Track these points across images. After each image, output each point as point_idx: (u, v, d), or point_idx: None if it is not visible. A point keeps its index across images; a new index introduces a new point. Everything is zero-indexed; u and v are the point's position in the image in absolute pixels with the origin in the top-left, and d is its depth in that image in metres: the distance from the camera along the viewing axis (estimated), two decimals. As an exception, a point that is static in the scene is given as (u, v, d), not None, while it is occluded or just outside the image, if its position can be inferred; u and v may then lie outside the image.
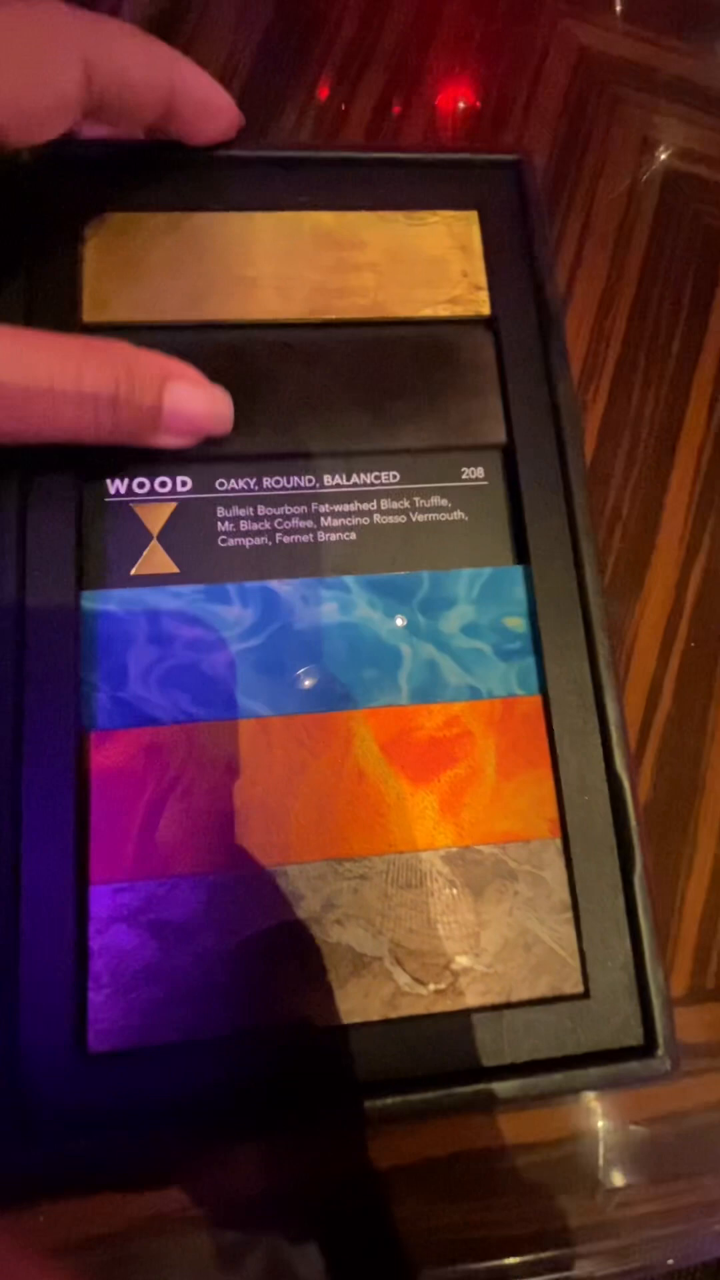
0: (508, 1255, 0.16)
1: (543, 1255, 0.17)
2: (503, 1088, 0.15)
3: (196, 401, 0.16)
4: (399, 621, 0.17)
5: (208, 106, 0.18)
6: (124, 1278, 0.15)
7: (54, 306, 0.18)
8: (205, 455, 0.17)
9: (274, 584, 0.17)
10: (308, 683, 0.16)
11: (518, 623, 0.17)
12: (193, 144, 0.19)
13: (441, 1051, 0.15)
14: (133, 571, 0.17)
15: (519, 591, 0.18)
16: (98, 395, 0.15)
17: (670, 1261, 0.17)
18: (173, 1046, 0.15)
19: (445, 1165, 0.17)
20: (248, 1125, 0.15)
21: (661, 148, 0.23)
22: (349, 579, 0.17)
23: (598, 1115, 0.17)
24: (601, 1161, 0.17)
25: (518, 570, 0.18)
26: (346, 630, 0.17)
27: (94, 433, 0.15)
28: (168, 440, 0.16)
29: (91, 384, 0.14)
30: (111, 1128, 0.14)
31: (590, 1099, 0.17)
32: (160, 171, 0.19)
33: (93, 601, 0.17)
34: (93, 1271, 0.16)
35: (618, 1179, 0.17)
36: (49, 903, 0.15)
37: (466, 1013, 0.15)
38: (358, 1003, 0.15)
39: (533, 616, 0.17)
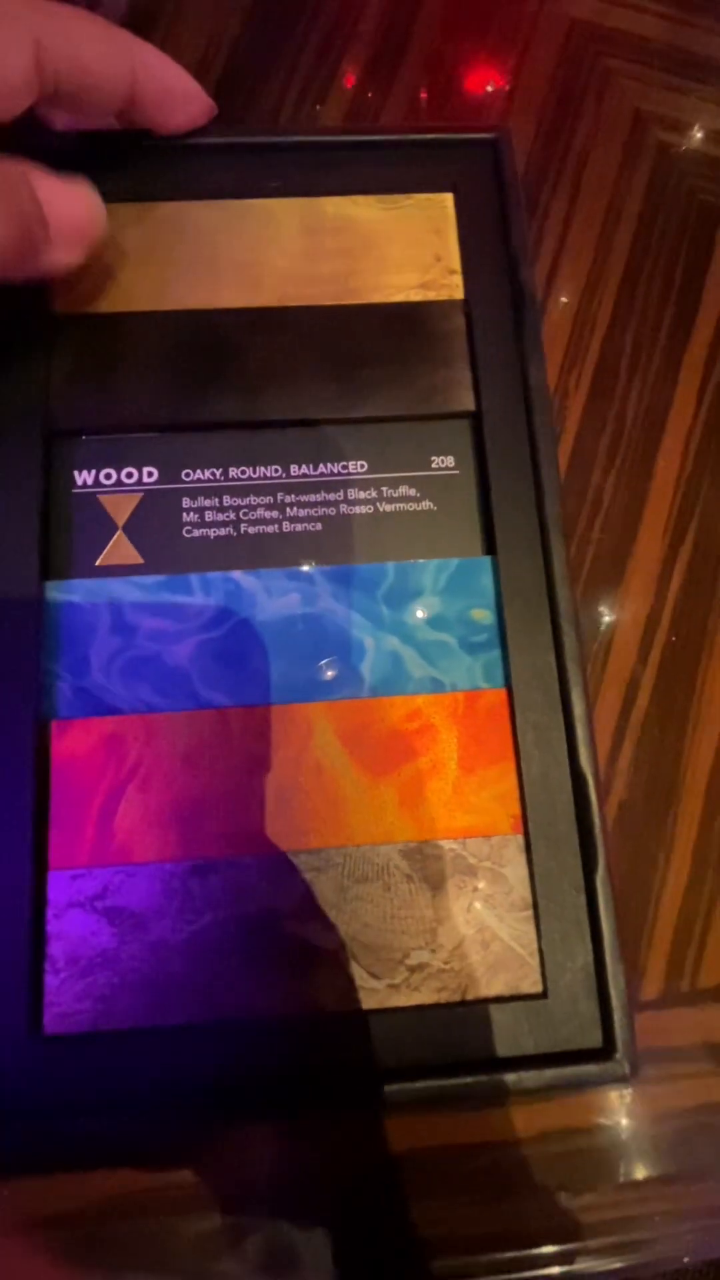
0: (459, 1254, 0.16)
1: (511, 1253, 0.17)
2: (454, 1085, 0.14)
3: (70, 196, 0.15)
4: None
5: (173, 93, 0.18)
6: (86, 1258, 0.16)
7: (25, 296, 0.18)
8: (175, 424, 0.17)
9: (237, 575, 0.17)
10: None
11: (484, 615, 0.17)
12: (163, 133, 0.18)
13: (396, 1047, 0.15)
14: (97, 562, 0.17)
15: (486, 583, 0.17)
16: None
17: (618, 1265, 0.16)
18: (127, 1032, 0.15)
19: (419, 1160, 0.17)
20: (200, 1112, 0.15)
21: (654, 121, 0.22)
22: (313, 570, 0.17)
23: (571, 1114, 0.17)
24: (569, 1163, 0.17)
25: (485, 561, 0.17)
26: (309, 621, 0.17)
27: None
28: (59, 256, 0.16)
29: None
30: (65, 1110, 0.14)
31: (559, 1100, 0.17)
32: (130, 161, 0.19)
33: (57, 592, 0.17)
34: (54, 1251, 0.16)
35: (583, 1184, 0.17)
36: (6, 888, 0.15)
37: (421, 1009, 0.15)
38: (311, 996, 0.15)
39: (499, 609, 0.17)
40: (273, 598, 0.17)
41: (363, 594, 0.17)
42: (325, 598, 0.17)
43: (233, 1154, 0.16)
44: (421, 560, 0.17)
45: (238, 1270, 0.16)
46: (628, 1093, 0.17)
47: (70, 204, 0.15)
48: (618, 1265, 0.17)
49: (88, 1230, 0.16)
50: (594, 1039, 0.15)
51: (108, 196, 0.19)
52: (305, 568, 0.17)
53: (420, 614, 0.17)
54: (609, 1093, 0.17)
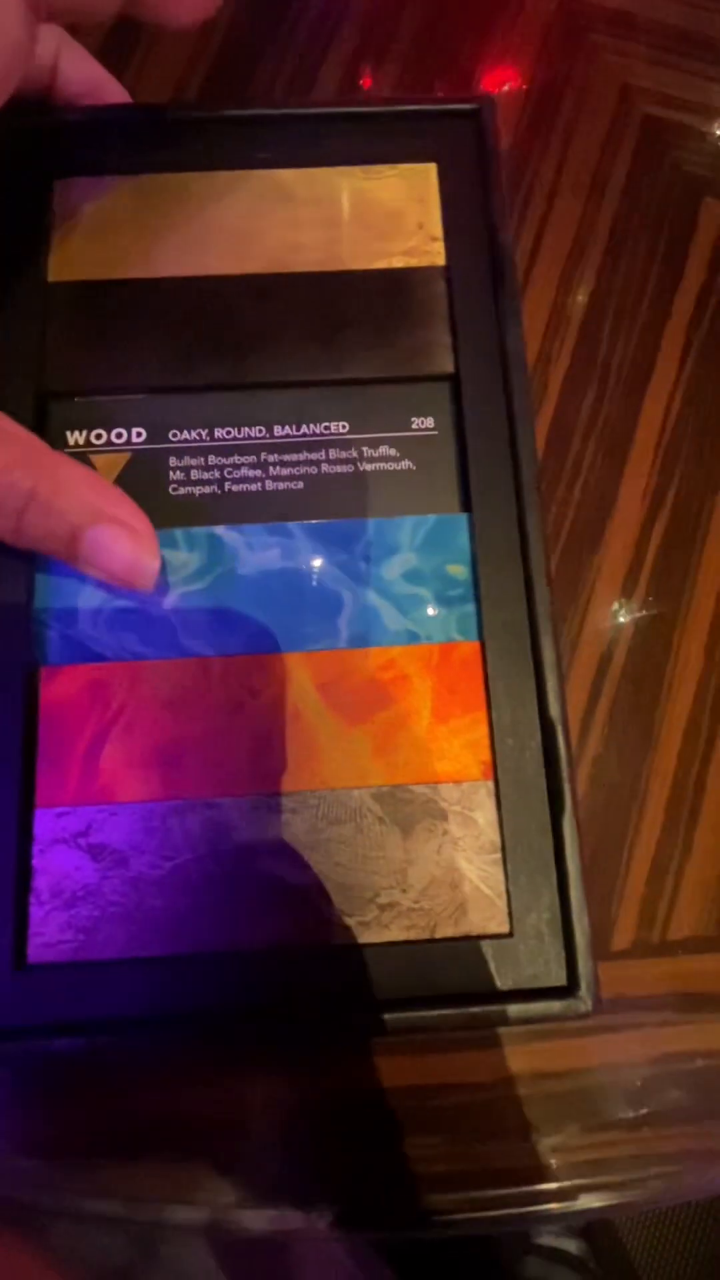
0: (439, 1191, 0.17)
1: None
2: (421, 1017, 0.15)
3: (119, 548, 0.15)
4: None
5: None
6: (63, 1185, 0.16)
7: (20, 266, 0.19)
8: (165, 386, 0.18)
9: (220, 530, 0.18)
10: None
11: (459, 570, 0.18)
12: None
13: (365, 981, 0.15)
14: None
15: (462, 539, 0.18)
16: (5, 498, 0.14)
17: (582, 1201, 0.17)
18: (108, 962, 0.15)
19: (389, 1099, 0.17)
20: (177, 1040, 0.15)
21: (639, 94, 0.23)
22: (293, 525, 0.18)
23: (540, 1059, 0.17)
24: (538, 1107, 0.17)
25: (462, 518, 0.18)
26: (288, 575, 0.17)
27: None
28: (90, 572, 0.16)
29: (4, 487, 0.14)
30: (48, 1035, 0.15)
31: (529, 1045, 0.18)
32: (123, 134, 0.19)
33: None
34: (39, 1183, 0.17)
35: (552, 1127, 0.17)
36: (-6, 823, 0.16)
37: (390, 945, 0.16)
38: (285, 931, 0.16)
39: (474, 564, 0.17)
40: (254, 552, 0.18)
41: (341, 549, 0.18)
42: (305, 553, 0.18)
43: (207, 1088, 0.17)
44: (399, 517, 0.18)
45: (205, 1200, 0.16)
46: (599, 1039, 0.18)
47: (109, 550, 0.16)
48: (585, 1207, 0.17)
49: (65, 1158, 0.16)
50: (558, 977, 0.15)
51: (102, 169, 0.19)
52: (286, 524, 0.18)
53: (397, 570, 0.17)
54: (580, 1039, 0.18)
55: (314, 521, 0.18)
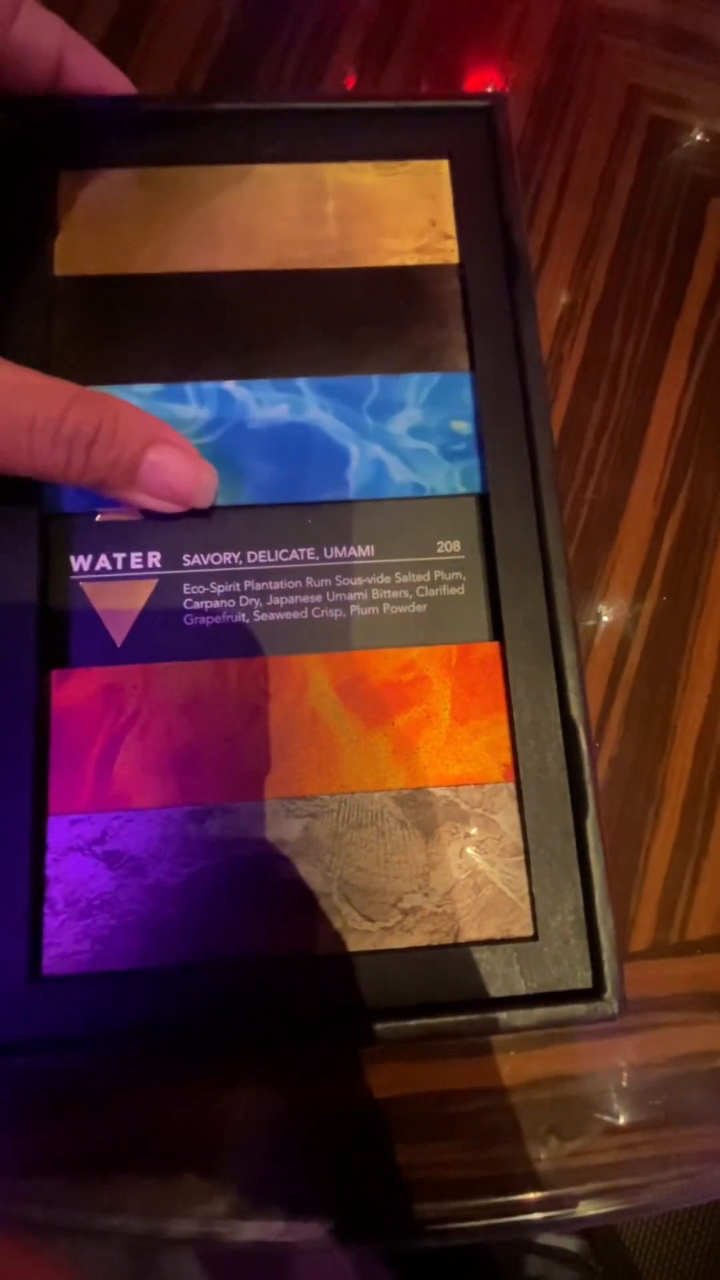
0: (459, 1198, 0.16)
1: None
2: (447, 1023, 0.15)
3: (179, 466, 0.16)
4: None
5: None
6: (79, 1201, 0.16)
7: (26, 259, 0.18)
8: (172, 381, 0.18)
9: (228, 385, 0.18)
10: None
11: (463, 426, 0.18)
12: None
13: (388, 988, 0.15)
14: None
15: (466, 395, 0.18)
16: (75, 435, 0.15)
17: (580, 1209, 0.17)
18: (125, 973, 0.15)
19: (410, 1105, 0.17)
20: (197, 1051, 0.15)
21: (647, 95, 0.23)
22: (300, 381, 0.18)
23: (561, 1062, 0.17)
24: (558, 1110, 0.17)
25: (466, 376, 0.18)
26: (296, 430, 0.18)
27: (64, 472, 0.15)
28: (143, 499, 0.16)
29: (73, 424, 0.15)
30: (63, 1048, 0.15)
31: (549, 1048, 0.17)
32: (131, 127, 0.19)
33: None
34: (52, 1193, 0.16)
35: (572, 1130, 0.17)
36: (7, 832, 0.15)
37: (414, 951, 0.15)
38: (306, 938, 0.15)
39: (491, 561, 0.17)
40: (263, 408, 0.18)
41: (348, 405, 0.18)
42: (313, 408, 0.18)
43: (229, 1096, 0.16)
44: (405, 374, 0.18)
45: (229, 1210, 0.16)
46: (617, 1041, 0.17)
47: (172, 465, 0.16)
48: (606, 1210, 0.17)
49: (80, 1173, 0.16)
50: (584, 979, 0.15)
51: (110, 162, 0.19)
52: (294, 379, 0.18)
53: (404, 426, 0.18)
54: (599, 1041, 0.17)
55: (320, 378, 0.18)
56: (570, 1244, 0.48)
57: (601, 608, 0.20)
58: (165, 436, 0.16)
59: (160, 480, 0.16)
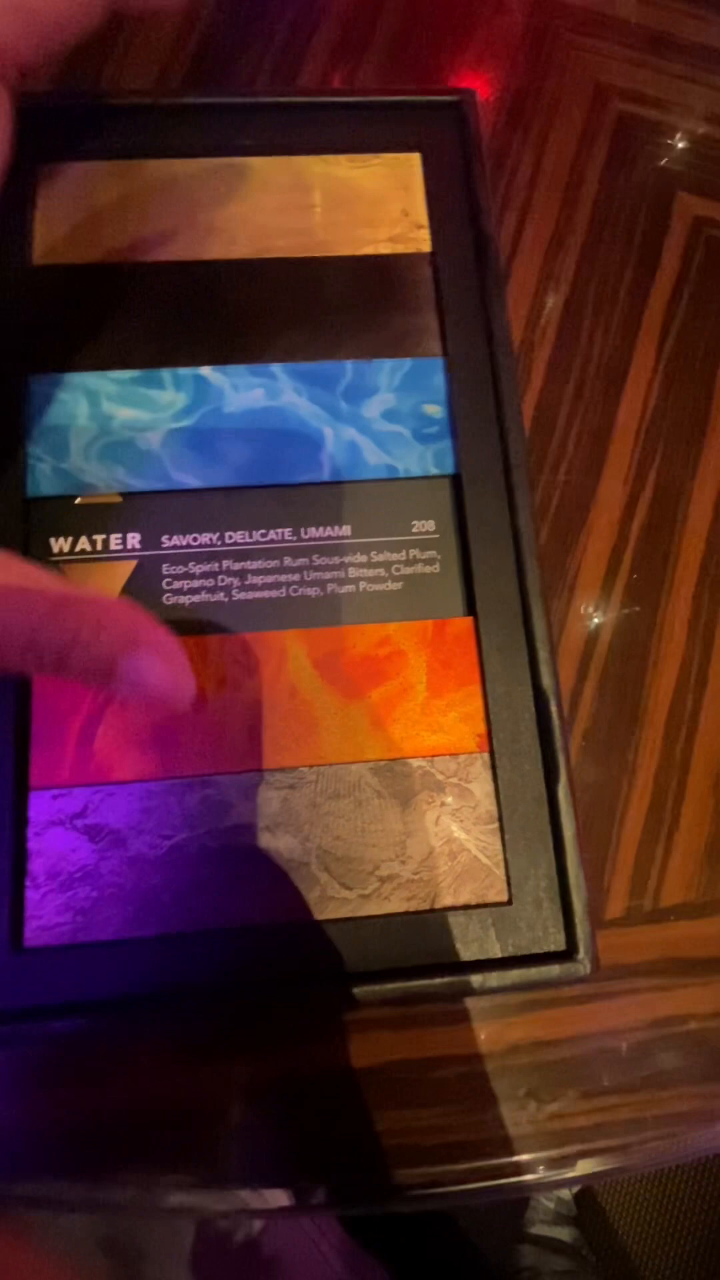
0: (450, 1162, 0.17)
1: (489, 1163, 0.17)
2: (424, 986, 0.15)
3: (157, 673, 0.15)
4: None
5: None
6: (66, 1170, 0.16)
7: (4, 249, 0.18)
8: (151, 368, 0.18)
9: (205, 371, 0.18)
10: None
11: (435, 409, 0.18)
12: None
13: (367, 953, 0.15)
14: None
15: (438, 380, 0.19)
16: (49, 646, 0.14)
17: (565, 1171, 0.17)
18: (107, 943, 0.15)
19: (390, 1071, 0.17)
20: (178, 1019, 0.15)
21: (614, 92, 0.23)
22: (275, 367, 0.18)
23: (539, 1027, 0.18)
24: (537, 1074, 0.17)
25: (438, 361, 0.19)
26: (272, 414, 0.18)
27: (37, 673, 0.15)
28: (125, 694, 0.15)
29: (47, 637, 0.14)
30: (46, 1018, 0.15)
31: (528, 1014, 0.18)
32: (109, 120, 0.20)
33: (40, 384, 0.18)
34: (37, 1164, 0.16)
35: (551, 1094, 0.17)
36: (-11, 805, 0.15)
37: (391, 917, 0.16)
38: (286, 907, 0.16)
39: (465, 542, 0.18)
40: (239, 392, 0.18)
41: (322, 390, 0.18)
42: (288, 392, 0.18)
43: (212, 1064, 0.17)
44: (378, 359, 0.19)
45: (213, 1178, 0.16)
46: (595, 1006, 0.18)
47: (148, 673, 0.15)
48: (585, 1173, 0.17)
49: (64, 1144, 0.16)
50: (557, 942, 0.16)
51: (89, 155, 0.19)
52: (269, 365, 0.18)
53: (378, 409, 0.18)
54: (577, 1007, 0.18)
55: (295, 363, 0.18)
56: (563, 1233, 0.49)
57: (575, 586, 0.20)
58: (146, 638, 0.15)
59: (135, 683, 0.15)
